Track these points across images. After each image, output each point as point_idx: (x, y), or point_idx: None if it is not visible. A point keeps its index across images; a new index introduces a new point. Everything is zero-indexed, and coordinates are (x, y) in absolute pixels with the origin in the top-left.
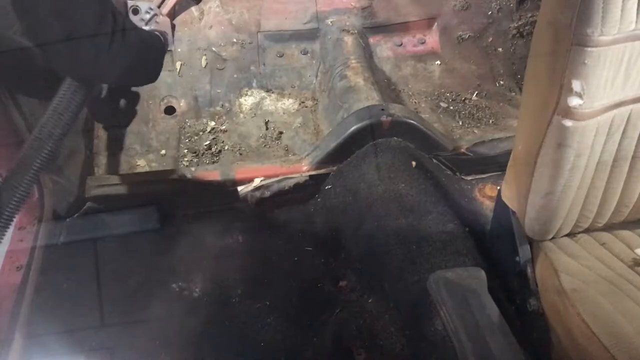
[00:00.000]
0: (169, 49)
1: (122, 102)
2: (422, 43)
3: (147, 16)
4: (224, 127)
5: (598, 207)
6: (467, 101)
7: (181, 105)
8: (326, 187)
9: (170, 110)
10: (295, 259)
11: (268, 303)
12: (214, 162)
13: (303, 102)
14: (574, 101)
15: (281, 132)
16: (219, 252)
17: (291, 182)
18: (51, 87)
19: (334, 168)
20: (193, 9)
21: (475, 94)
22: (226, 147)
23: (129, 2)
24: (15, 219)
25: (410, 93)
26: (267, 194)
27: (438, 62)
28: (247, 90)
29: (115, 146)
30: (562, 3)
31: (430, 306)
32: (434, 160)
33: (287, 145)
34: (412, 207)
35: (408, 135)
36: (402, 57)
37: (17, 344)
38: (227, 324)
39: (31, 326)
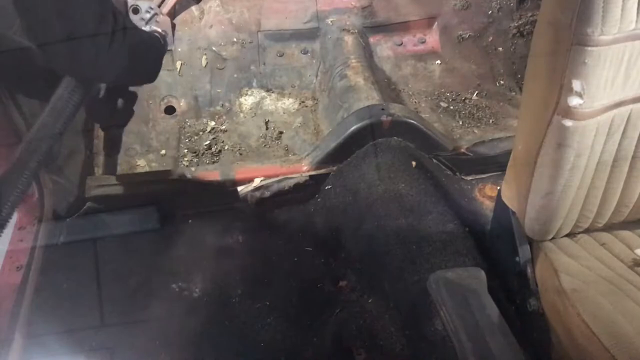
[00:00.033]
0: (169, 48)
1: (120, 101)
2: (422, 42)
3: (148, 15)
4: (224, 127)
5: (598, 207)
6: (467, 101)
7: (181, 105)
8: (326, 187)
9: (170, 110)
10: (295, 259)
11: (268, 303)
12: (214, 162)
13: (303, 102)
14: (574, 101)
15: (281, 132)
16: (219, 252)
17: (291, 182)
18: (51, 87)
19: (334, 168)
20: (193, 8)
21: (475, 94)
22: (226, 147)
23: (129, 1)
24: (13, 217)
25: (410, 93)
26: (267, 194)
27: (438, 61)
28: (247, 90)
29: (115, 146)
30: (562, 3)
31: (430, 306)
32: (434, 160)
33: (287, 145)
34: (412, 207)
35: (408, 135)
36: (402, 57)
37: (17, 344)
38: (227, 324)
39: (31, 326)
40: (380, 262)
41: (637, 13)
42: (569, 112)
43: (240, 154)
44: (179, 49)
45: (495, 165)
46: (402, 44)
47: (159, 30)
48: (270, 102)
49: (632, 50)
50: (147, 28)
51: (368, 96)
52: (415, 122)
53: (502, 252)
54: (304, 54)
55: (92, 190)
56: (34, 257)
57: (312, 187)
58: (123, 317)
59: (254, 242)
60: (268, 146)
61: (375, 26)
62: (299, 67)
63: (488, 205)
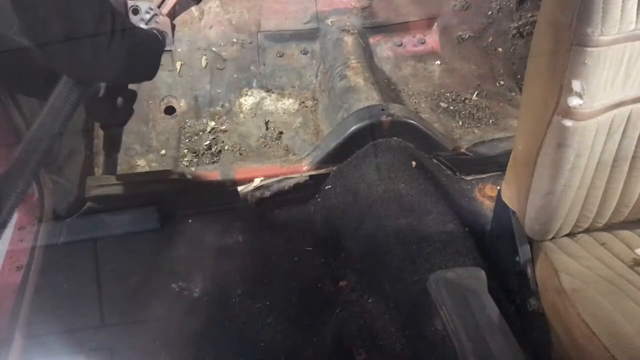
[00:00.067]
0: (169, 49)
1: (120, 100)
2: (422, 43)
3: (147, 16)
4: (224, 127)
5: (598, 207)
6: (467, 101)
7: (181, 105)
8: (326, 187)
9: (170, 110)
10: (295, 259)
11: (268, 303)
12: (214, 162)
13: (303, 102)
14: (574, 101)
15: (281, 132)
16: (219, 252)
17: (291, 182)
18: (51, 86)
19: (334, 168)
20: (193, 9)
21: (475, 94)
22: (226, 147)
23: (129, 2)
24: (13, 217)
25: (410, 93)
26: (267, 194)
27: (438, 62)
28: (247, 90)
29: (115, 146)
30: (562, 3)
31: (430, 306)
32: (434, 160)
33: (287, 145)
34: (412, 207)
35: (408, 135)
36: (402, 57)
37: (17, 344)
38: (227, 324)
39: (31, 326)
40: (380, 262)
41: (637, 13)
42: (569, 112)
43: (240, 154)
44: (179, 50)
45: (495, 165)
46: (402, 44)
47: (157, 27)
48: (270, 103)
49: (632, 50)
50: (144, 26)
51: (368, 96)
52: (415, 122)
53: (502, 252)
54: (304, 54)
55: (92, 190)
56: (34, 257)
57: (312, 187)
58: (123, 317)
59: (254, 242)
60: (268, 146)
61: (375, 27)
62: (299, 68)
63: (488, 205)
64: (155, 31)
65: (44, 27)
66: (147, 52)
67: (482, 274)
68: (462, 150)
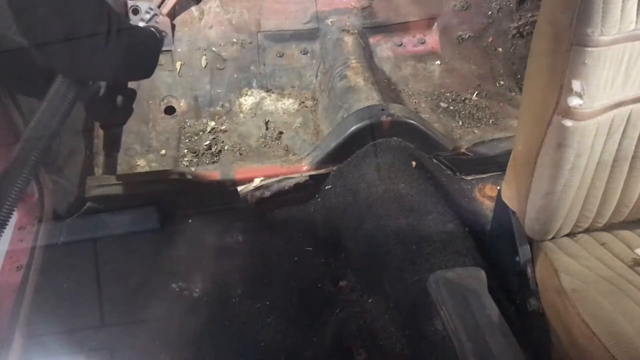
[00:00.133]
0: (169, 49)
1: (119, 99)
2: (422, 43)
3: (147, 16)
4: (224, 127)
5: (598, 207)
6: (467, 101)
7: (181, 105)
8: (326, 187)
9: (170, 110)
10: (295, 259)
11: (268, 303)
12: (214, 162)
13: (303, 102)
14: (574, 101)
15: (281, 132)
16: (219, 252)
17: (291, 182)
18: (50, 86)
19: (334, 168)
20: (193, 9)
21: (475, 94)
22: (226, 147)
23: (129, 2)
24: (13, 217)
25: (410, 93)
26: (267, 194)
27: (438, 62)
28: (247, 90)
29: (115, 146)
30: (562, 3)
31: (430, 306)
32: (434, 160)
33: (287, 145)
34: (412, 207)
35: (408, 135)
36: (402, 57)
37: (17, 344)
38: (227, 324)
39: (31, 326)
40: (380, 262)
41: (637, 13)
42: (569, 112)
43: (240, 154)
44: (179, 50)
45: (495, 165)
46: (402, 44)
47: (155, 25)
48: (270, 103)
49: (632, 50)
50: (142, 24)
51: (368, 96)
52: (415, 122)
53: (502, 252)
54: (304, 54)
55: (92, 190)
56: (34, 257)
57: (312, 187)
58: (123, 317)
59: (254, 242)
60: (268, 146)
61: (375, 27)
62: (299, 68)
63: (488, 205)
64: (153, 29)
65: (41, 27)
66: (145, 50)
67: (482, 274)
68: (462, 150)
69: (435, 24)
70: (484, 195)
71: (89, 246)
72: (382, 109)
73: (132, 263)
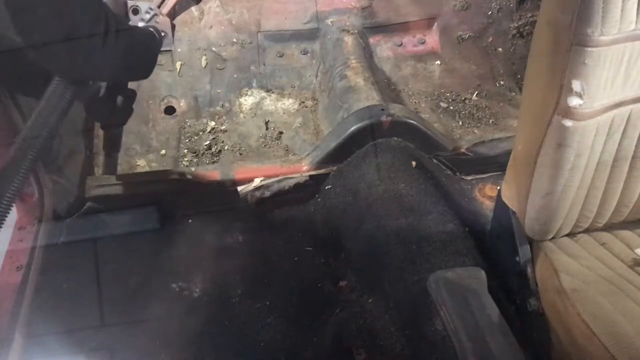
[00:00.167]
0: (169, 49)
1: (119, 100)
2: (422, 43)
3: (147, 16)
4: (224, 127)
5: (598, 207)
6: (467, 101)
7: (181, 105)
8: (326, 187)
9: (170, 110)
10: (295, 259)
11: (268, 303)
12: (214, 162)
13: (303, 102)
14: (574, 101)
15: (281, 132)
16: (219, 252)
17: (291, 182)
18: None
19: (334, 168)
20: (193, 9)
21: (475, 94)
22: (226, 147)
23: (129, 2)
24: (12, 217)
25: (410, 93)
26: (267, 194)
27: (438, 62)
28: (247, 90)
29: (115, 146)
30: (562, 3)
31: (430, 306)
32: (434, 160)
33: (287, 145)
34: (412, 207)
35: (408, 135)
36: (402, 57)
37: (17, 344)
38: (227, 324)
39: (31, 326)
40: (380, 262)
41: (637, 13)
42: (569, 112)
43: (240, 154)
44: (179, 50)
45: (495, 165)
46: (402, 44)
47: (154, 25)
48: (270, 103)
49: (632, 50)
50: (142, 24)
51: (368, 96)
52: (415, 122)
53: (502, 252)
54: (304, 54)
55: (92, 190)
56: (34, 257)
57: (312, 187)
58: (123, 317)
59: (254, 242)
60: (268, 146)
61: (375, 27)
62: (299, 68)
63: (488, 205)
64: (151, 29)
65: (37, 27)
66: (143, 51)
67: (482, 274)
68: (462, 150)
69: (435, 24)
70: (484, 195)
71: (89, 246)
72: (382, 109)
73: (132, 263)
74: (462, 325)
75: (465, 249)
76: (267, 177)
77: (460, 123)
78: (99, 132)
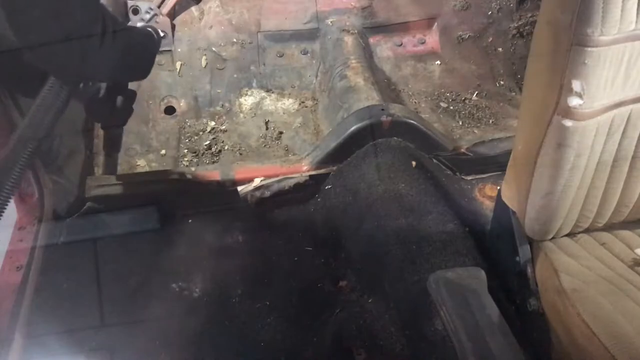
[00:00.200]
0: (169, 49)
1: (119, 100)
2: (422, 43)
3: (147, 16)
4: (224, 127)
5: (598, 207)
6: (467, 101)
7: (181, 105)
8: (326, 187)
9: (170, 110)
10: (295, 259)
11: (268, 303)
12: (214, 162)
13: (303, 102)
14: (574, 101)
15: (281, 132)
16: (219, 252)
17: (291, 182)
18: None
19: (334, 168)
20: (193, 9)
21: (475, 94)
22: (226, 147)
23: (129, 2)
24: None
25: (410, 93)
26: (267, 194)
27: (438, 62)
28: (247, 90)
29: (115, 146)
30: (562, 3)
31: (430, 306)
32: (434, 160)
33: (287, 145)
34: (412, 207)
35: (408, 135)
36: (402, 57)
37: (17, 344)
38: (227, 324)
39: (31, 326)
40: (380, 262)
41: (637, 13)
42: (569, 112)
43: (240, 154)
44: (179, 50)
45: (495, 165)
46: (402, 44)
47: (152, 25)
48: (270, 103)
49: (632, 50)
50: (140, 24)
51: (368, 96)
52: (415, 122)
53: (502, 252)
54: (304, 54)
55: (92, 190)
56: (34, 257)
57: (312, 187)
58: (123, 317)
59: (254, 242)
60: (268, 146)
61: (375, 27)
62: (299, 68)
63: (488, 205)
64: (149, 29)
65: (33, 28)
66: (141, 51)
67: (482, 274)
68: (462, 150)
69: (435, 24)
70: (484, 195)
71: (89, 246)
72: (382, 109)
73: (132, 263)
74: (462, 325)
75: (465, 249)
76: (267, 177)
77: (460, 123)
78: (99, 132)
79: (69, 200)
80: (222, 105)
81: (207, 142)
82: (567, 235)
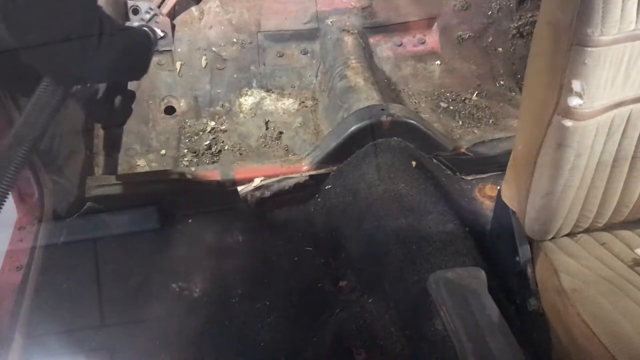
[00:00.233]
0: (169, 49)
1: (118, 100)
2: (422, 43)
3: (147, 16)
4: (224, 127)
5: (598, 207)
6: (467, 101)
7: (181, 105)
8: (326, 187)
9: (170, 110)
10: (295, 259)
11: (268, 303)
12: (214, 162)
13: (303, 102)
14: (574, 101)
15: (281, 132)
16: (219, 252)
17: (291, 182)
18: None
19: (334, 168)
20: (193, 9)
21: (475, 94)
22: (226, 147)
23: (129, 2)
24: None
25: (410, 93)
26: (267, 194)
27: (438, 62)
28: (247, 90)
29: (115, 146)
30: (562, 3)
31: (430, 306)
32: (434, 160)
33: (287, 145)
34: (412, 207)
35: (408, 135)
36: (402, 57)
37: (17, 344)
38: (227, 324)
39: (31, 326)
40: (380, 262)
41: (637, 13)
42: (569, 112)
43: (240, 154)
44: (179, 50)
45: (495, 165)
46: (402, 44)
47: (149, 25)
48: (270, 103)
49: (632, 50)
50: (136, 24)
51: (368, 96)
52: (415, 122)
53: (502, 252)
54: (304, 54)
55: (92, 190)
56: (34, 257)
57: (312, 187)
58: (123, 317)
59: (254, 242)
60: (268, 146)
61: (375, 27)
62: (299, 68)
63: (488, 205)
64: (145, 28)
65: (29, 28)
66: (138, 51)
67: (482, 274)
68: (462, 150)
69: (435, 24)
70: (484, 195)
71: (89, 246)
72: (382, 109)
73: (132, 263)
74: (462, 325)
75: (465, 249)
76: (267, 177)
77: (460, 123)
78: (99, 132)
79: (69, 200)
80: (222, 105)
81: (207, 142)
82: (567, 235)
